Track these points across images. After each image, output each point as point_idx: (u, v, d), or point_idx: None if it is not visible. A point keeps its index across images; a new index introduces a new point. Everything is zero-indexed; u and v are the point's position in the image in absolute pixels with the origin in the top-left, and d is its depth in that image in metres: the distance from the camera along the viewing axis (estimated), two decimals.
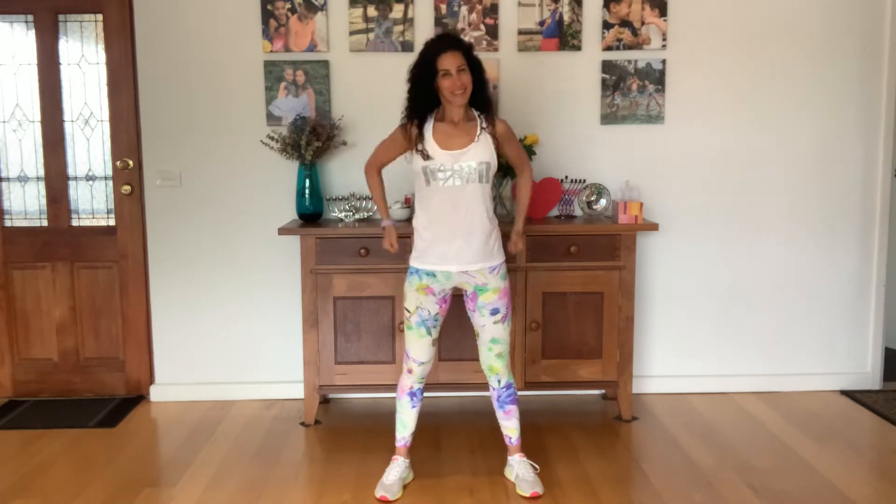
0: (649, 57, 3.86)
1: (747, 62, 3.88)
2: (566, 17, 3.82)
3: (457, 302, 3.08)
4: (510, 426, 3.06)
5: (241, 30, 3.82)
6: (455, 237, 2.84)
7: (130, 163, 3.93)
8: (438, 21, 3.80)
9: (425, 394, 3.08)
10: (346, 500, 2.93)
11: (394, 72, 3.38)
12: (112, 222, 4.01)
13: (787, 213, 3.98)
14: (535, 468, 3.04)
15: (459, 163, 2.81)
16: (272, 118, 3.86)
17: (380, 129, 3.70)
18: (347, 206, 3.76)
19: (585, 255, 3.60)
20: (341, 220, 3.74)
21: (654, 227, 3.66)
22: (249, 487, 3.05)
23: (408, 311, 2.94)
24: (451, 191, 2.82)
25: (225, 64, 3.84)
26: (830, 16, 3.87)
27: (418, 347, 2.94)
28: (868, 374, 4.08)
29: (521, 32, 3.83)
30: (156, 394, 4.04)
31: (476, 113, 2.90)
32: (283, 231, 3.62)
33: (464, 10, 3.80)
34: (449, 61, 2.77)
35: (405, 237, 3.24)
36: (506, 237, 3.05)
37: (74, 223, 4.04)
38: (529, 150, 3.72)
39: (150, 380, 4.07)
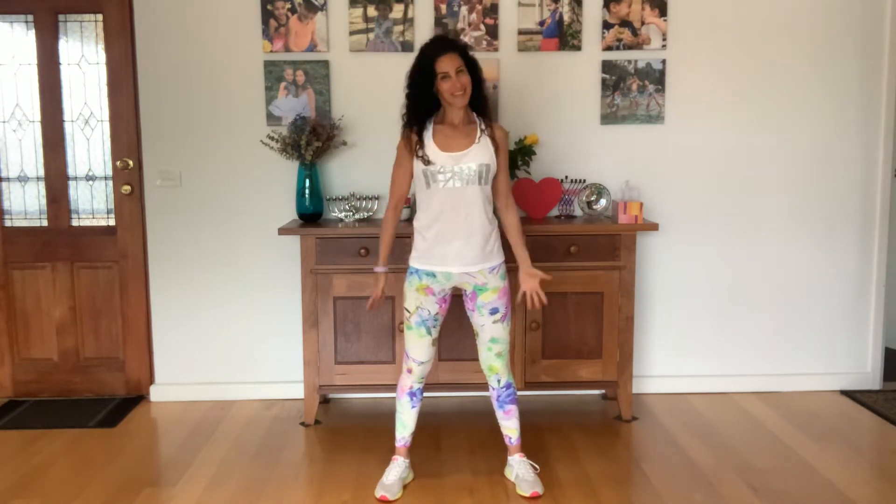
0: (649, 57, 3.86)
1: (747, 62, 3.88)
2: (566, 17, 3.82)
3: (457, 302, 3.08)
4: (510, 426, 3.06)
5: (241, 30, 3.82)
6: (455, 238, 2.84)
7: (130, 163, 3.93)
8: (438, 21, 3.80)
9: (425, 394, 3.08)
10: (346, 500, 2.93)
11: (394, 72, 3.38)
12: (112, 222, 4.01)
13: (787, 213, 3.98)
14: (535, 468, 3.04)
15: (460, 164, 2.81)
16: (272, 118, 3.86)
17: (380, 129, 3.73)
18: (347, 206, 3.76)
19: (585, 255, 3.60)
20: (341, 220, 3.74)
21: (654, 227, 3.66)
22: (249, 487, 3.05)
23: (408, 311, 2.94)
24: (452, 192, 2.83)
25: (225, 64, 3.84)
26: (830, 16, 3.87)
27: (418, 347, 2.94)
28: (868, 374, 4.08)
29: (521, 32, 3.83)
30: (156, 394, 4.04)
31: (475, 116, 2.90)
32: (283, 231, 3.62)
33: (464, 10, 3.80)
34: (447, 63, 2.77)
35: (405, 237, 3.24)
36: (512, 271, 2.98)
37: (74, 223, 4.04)
38: (529, 151, 3.73)
39: (150, 380, 4.07)
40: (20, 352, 4.08)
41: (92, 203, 4.04)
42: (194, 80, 3.85)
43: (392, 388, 3.28)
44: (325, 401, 3.98)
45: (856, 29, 3.88)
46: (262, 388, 4.03)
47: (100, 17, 3.89)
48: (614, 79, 3.86)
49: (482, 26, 3.82)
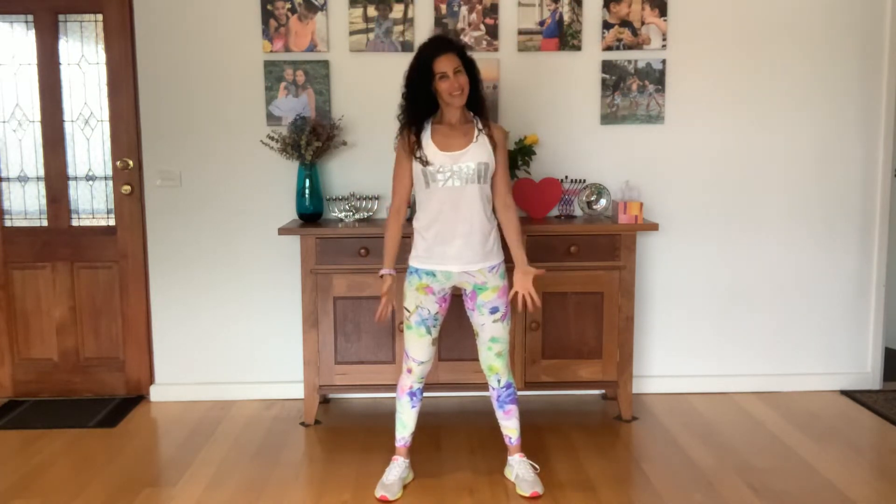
0: (649, 57, 3.86)
1: (747, 62, 3.88)
2: (566, 17, 3.82)
3: (456, 302, 3.08)
4: (510, 426, 3.06)
5: (241, 30, 3.82)
6: (455, 237, 2.84)
7: (130, 163, 3.93)
8: (438, 21, 3.80)
9: (425, 394, 3.08)
10: (346, 500, 2.93)
11: (394, 72, 3.37)
12: (112, 222, 4.01)
13: (787, 213, 3.98)
14: (535, 468, 3.04)
15: (458, 164, 2.82)
16: (272, 118, 3.86)
17: (380, 129, 3.73)
18: (347, 206, 3.77)
19: (585, 255, 3.60)
20: (341, 220, 3.74)
21: (654, 227, 3.66)
22: (249, 487, 3.05)
23: (407, 310, 2.94)
24: (451, 191, 2.83)
25: (225, 64, 3.84)
26: (830, 16, 3.87)
27: (418, 347, 2.94)
28: (868, 374, 4.08)
29: (521, 32, 3.83)
30: (156, 394, 4.04)
31: (472, 115, 2.90)
32: (283, 231, 3.62)
33: (464, 10, 3.80)
34: (445, 64, 2.77)
35: (405, 237, 3.24)
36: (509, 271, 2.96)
37: (74, 223, 4.04)
38: (529, 151, 3.73)
39: (150, 380, 4.07)
40: (20, 352, 4.08)
41: (92, 203, 4.04)
42: (194, 80, 3.85)
43: (392, 388, 3.28)
44: (325, 401, 3.98)
45: (856, 29, 3.88)
46: (262, 388, 4.03)
47: (100, 17, 3.89)
48: (614, 79, 3.86)
49: (482, 26, 3.82)
